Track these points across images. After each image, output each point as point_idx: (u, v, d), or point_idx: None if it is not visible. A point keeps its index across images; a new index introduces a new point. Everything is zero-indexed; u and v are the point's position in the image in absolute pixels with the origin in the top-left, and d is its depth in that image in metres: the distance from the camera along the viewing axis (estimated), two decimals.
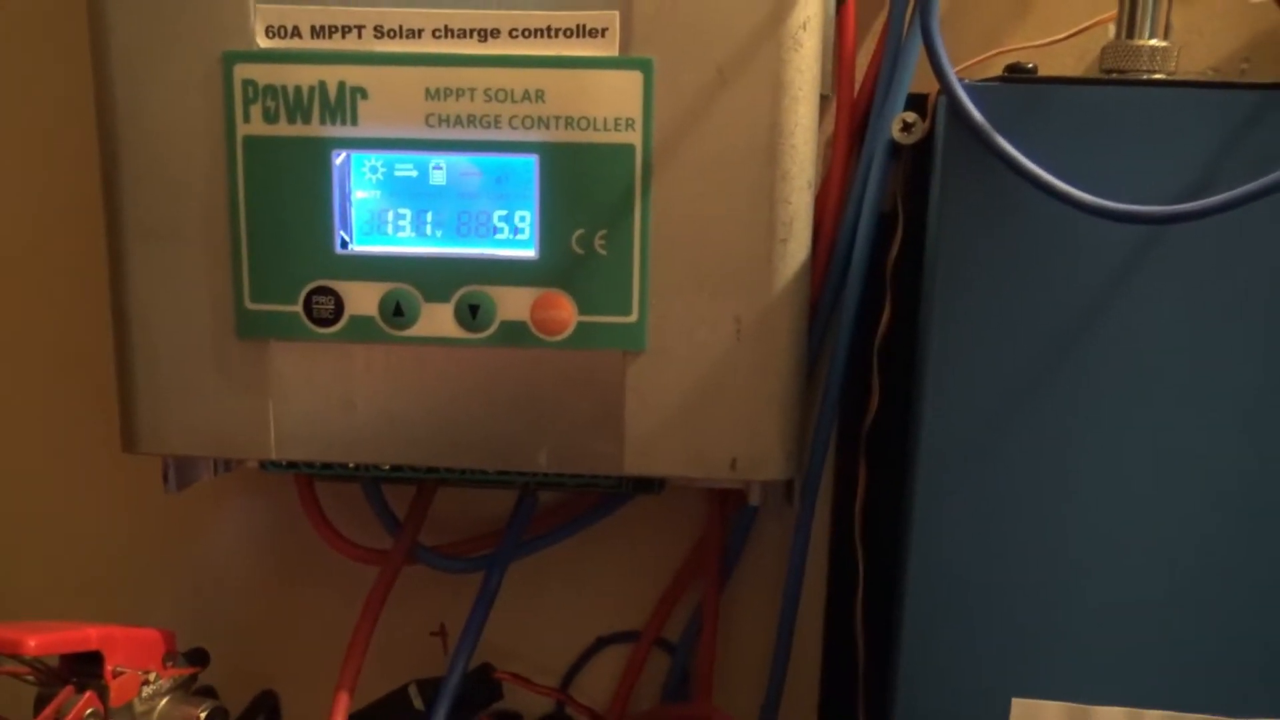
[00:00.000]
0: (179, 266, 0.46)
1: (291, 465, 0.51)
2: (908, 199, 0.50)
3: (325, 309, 0.46)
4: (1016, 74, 0.42)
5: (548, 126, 0.44)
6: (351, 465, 0.51)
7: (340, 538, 0.56)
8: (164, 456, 0.51)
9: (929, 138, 0.47)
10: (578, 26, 0.43)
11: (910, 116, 0.48)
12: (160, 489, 0.52)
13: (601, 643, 0.62)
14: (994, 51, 0.52)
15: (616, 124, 0.44)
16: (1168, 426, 0.43)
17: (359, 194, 0.46)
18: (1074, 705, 0.45)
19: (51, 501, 0.64)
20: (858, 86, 0.53)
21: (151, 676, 0.49)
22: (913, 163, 0.49)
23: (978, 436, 0.44)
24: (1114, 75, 0.43)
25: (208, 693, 0.53)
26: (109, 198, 0.46)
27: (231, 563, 0.63)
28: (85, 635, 0.46)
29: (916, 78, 0.50)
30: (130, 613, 0.51)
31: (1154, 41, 0.42)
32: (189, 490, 0.53)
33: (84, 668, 0.46)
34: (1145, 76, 0.42)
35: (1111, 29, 0.44)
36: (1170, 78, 0.42)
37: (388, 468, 0.51)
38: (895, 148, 0.49)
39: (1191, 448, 0.43)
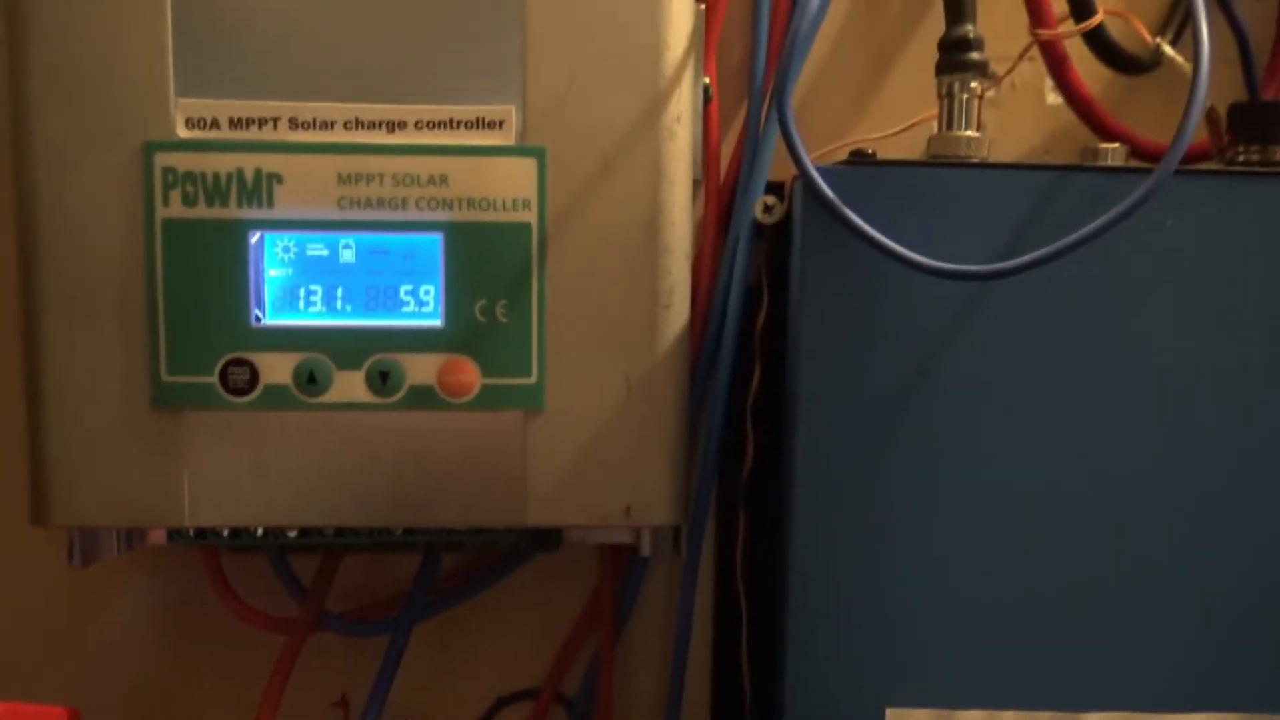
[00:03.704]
0: (95, 341, 0.48)
1: (199, 535, 0.53)
2: (771, 273, 0.56)
3: (240, 379, 0.49)
4: (859, 158, 0.49)
5: (451, 208, 0.48)
6: (260, 532, 0.53)
7: (246, 607, 0.57)
8: (70, 531, 0.51)
9: (787, 218, 0.53)
10: (478, 119, 0.48)
11: (770, 200, 0.54)
12: (62, 566, 0.52)
13: (502, 702, 0.64)
14: (838, 144, 0.59)
15: (514, 205, 0.48)
16: (1013, 456, 0.49)
17: (272, 271, 0.49)
18: (939, 711, 0.50)
19: None
20: (723, 174, 0.59)
21: None
22: (774, 241, 0.55)
23: (844, 481, 0.49)
24: (939, 159, 0.50)
25: None
26: (26, 275, 0.48)
27: (135, 638, 0.63)
28: None
29: (774, 167, 0.56)
30: (32, 691, 0.51)
31: (969, 132, 0.50)
32: (92, 567, 0.53)
33: None
34: (964, 160, 0.50)
35: (935, 124, 0.52)
36: (984, 161, 0.50)
37: (295, 534, 0.53)
38: (758, 228, 0.55)
39: (1036, 473, 0.49)
